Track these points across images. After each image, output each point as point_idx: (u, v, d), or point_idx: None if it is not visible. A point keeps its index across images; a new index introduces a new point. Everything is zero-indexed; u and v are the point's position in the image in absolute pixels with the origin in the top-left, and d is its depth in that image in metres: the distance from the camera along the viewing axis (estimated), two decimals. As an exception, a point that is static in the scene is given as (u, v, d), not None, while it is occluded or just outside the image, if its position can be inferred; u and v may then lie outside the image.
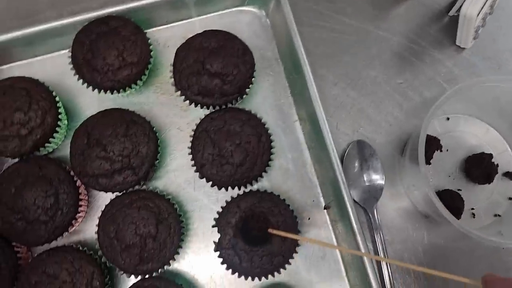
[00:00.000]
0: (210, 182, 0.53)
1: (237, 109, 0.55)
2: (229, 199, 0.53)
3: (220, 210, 0.53)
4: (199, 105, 0.56)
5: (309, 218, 0.56)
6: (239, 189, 0.53)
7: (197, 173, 0.53)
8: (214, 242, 0.51)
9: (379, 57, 0.63)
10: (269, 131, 0.54)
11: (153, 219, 0.51)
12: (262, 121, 0.55)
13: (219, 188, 0.53)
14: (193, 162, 0.53)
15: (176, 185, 0.58)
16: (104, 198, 0.56)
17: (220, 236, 0.51)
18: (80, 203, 0.53)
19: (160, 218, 0.51)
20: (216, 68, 0.54)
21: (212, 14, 0.63)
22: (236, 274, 0.50)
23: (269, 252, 0.49)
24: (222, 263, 0.50)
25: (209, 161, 0.52)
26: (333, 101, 0.61)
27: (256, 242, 0.50)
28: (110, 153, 0.51)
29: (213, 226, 0.52)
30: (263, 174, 0.54)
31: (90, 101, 0.60)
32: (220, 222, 0.52)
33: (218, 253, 0.51)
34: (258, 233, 0.51)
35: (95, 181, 0.52)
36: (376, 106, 0.61)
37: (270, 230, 0.47)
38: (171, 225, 0.52)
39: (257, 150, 0.52)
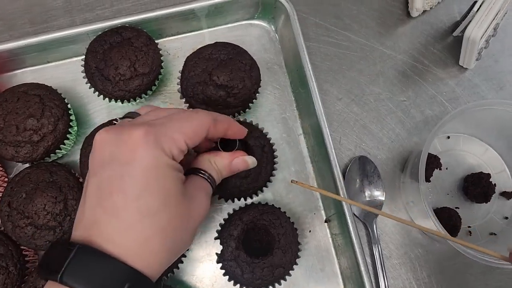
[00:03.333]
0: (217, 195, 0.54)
1: (239, 121, 0.56)
2: (231, 210, 0.55)
3: (222, 220, 0.54)
4: None
5: (310, 231, 0.57)
6: (245, 199, 0.55)
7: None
8: (217, 254, 0.53)
9: (383, 74, 0.64)
10: (272, 142, 0.55)
11: None
12: (264, 132, 0.56)
13: (226, 200, 0.54)
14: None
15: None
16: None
17: (223, 248, 0.52)
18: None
19: None
20: (222, 80, 0.55)
21: (222, 27, 0.65)
22: (238, 285, 0.52)
23: (270, 264, 0.51)
24: (224, 274, 0.52)
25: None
26: (337, 116, 0.63)
27: (258, 254, 0.51)
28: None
29: (215, 239, 0.54)
30: (268, 184, 0.55)
31: (100, 109, 0.61)
32: (222, 234, 0.53)
33: (220, 264, 0.52)
34: (260, 245, 0.52)
35: None
36: (379, 122, 0.62)
37: (292, 180, 0.46)
38: None
39: (261, 161, 0.53)
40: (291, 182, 0.46)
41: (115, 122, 0.41)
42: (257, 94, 0.58)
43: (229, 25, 0.65)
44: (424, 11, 0.66)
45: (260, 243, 0.53)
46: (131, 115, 0.41)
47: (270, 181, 0.55)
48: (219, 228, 0.54)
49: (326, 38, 0.65)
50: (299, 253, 0.53)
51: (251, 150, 0.53)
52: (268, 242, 0.52)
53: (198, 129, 0.38)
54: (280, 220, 0.53)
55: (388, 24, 0.66)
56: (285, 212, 0.54)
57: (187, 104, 0.57)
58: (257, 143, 0.54)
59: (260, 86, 0.58)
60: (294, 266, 0.52)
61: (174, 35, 0.64)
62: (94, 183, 0.35)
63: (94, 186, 0.35)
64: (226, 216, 0.55)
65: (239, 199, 0.54)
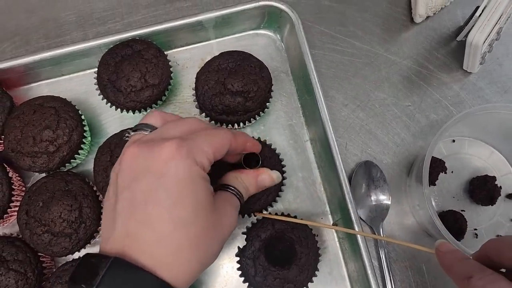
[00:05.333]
0: None
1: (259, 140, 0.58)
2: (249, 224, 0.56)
3: (244, 228, 0.56)
4: (224, 123, 0.59)
5: (316, 235, 0.59)
6: (249, 216, 0.56)
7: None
8: (239, 247, 0.54)
9: (388, 79, 0.65)
10: (278, 152, 0.57)
11: None
12: (272, 141, 0.57)
13: (243, 216, 0.55)
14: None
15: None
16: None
17: (246, 244, 0.54)
18: (102, 216, 0.56)
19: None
20: (237, 87, 0.57)
21: (229, 37, 0.67)
22: (247, 284, 0.53)
23: (284, 277, 0.52)
24: (239, 269, 0.53)
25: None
26: (343, 122, 0.64)
27: (275, 261, 0.53)
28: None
29: (242, 233, 0.55)
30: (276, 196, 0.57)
31: (113, 119, 0.63)
32: (250, 232, 0.54)
33: (237, 259, 0.54)
34: (280, 255, 0.53)
35: None
36: (384, 127, 0.64)
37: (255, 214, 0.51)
38: None
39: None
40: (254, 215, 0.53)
41: (128, 133, 0.42)
42: (271, 99, 0.60)
43: (237, 35, 0.67)
44: (428, 17, 0.67)
45: (281, 253, 0.54)
46: (142, 128, 0.42)
47: (279, 196, 0.56)
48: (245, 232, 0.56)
49: (331, 45, 0.67)
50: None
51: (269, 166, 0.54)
52: (289, 255, 0.53)
53: (223, 141, 0.40)
54: (308, 240, 0.54)
55: (392, 30, 0.67)
56: (315, 235, 0.55)
57: (208, 118, 0.59)
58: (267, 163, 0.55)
59: (273, 85, 0.59)
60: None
61: (183, 46, 0.66)
62: (126, 197, 0.36)
63: (127, 200, 0.36)
64: (244, 229, 0.56)
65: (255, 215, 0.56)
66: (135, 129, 0.42)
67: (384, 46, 0.66)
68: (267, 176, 0.47)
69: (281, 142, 0.62)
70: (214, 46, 0.66)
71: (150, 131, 0.41)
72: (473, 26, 0.60)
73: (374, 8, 0.68)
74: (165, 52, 0.63)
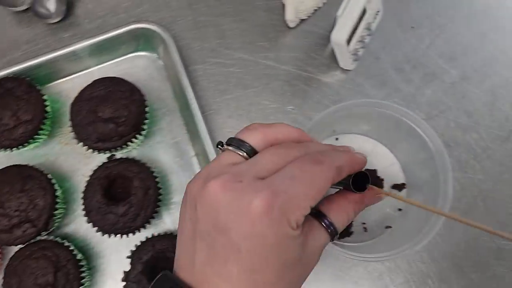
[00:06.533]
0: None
1: (133, 161, 0.58)
2: (137, 242, 0.57)
3: (129, 252, 0.57)
4: (101, 150, 0.59)
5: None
6: (121, 236, 0.57)
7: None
8: (124, 272, 0.55)
9: (269, 86, 0.66)
10: (157, 180, 0.58)
11: (51, 268, 0.54)
12: (155, 173, 0.59)
13: (103, 234, 0.56)
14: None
15: (84, 229, 0.61)
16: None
17: (130, 269, 0.55)
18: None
19: (59, 265, 0.55)
20: (108, 114, 0.57)
21: (109, 62, 0.67)
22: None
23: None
24: None
25: (95, 208, 0.55)
26: (229, 133, 0.65)
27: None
28: (7, 209, 0.55)
29: (127, 257, 0.56)
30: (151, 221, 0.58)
31: (-2, 158, 0.64)
32: (133, 256, 0.55)
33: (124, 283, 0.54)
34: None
35: None
36: (268, 134, 0.64)
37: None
38: (70, 271, 0.55)
39: (142, 203, 0.55)
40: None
41: (220, 146, 0.38)
42: (147, 121, 0.60)
43: (116, 59, 0.67)
44: (302, 20, 0.68)
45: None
46: (238, 145, 0.36)
47: (149, 222, 0.57)
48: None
49: (211, 59, 0.67)
50: None
51: (134, 191, 0.56)
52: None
53: (324, 186, 0.34)
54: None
55: (269, 37, 0.68)
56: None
57: (86, 147, 0.59)
58: (142, 185, 0.56)
59: (147, 106, 0.60)
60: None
61: (65, 76, 0.67)
62: (206, 243, 0.33)
63: (206, 247, 0.33)
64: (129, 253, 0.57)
65: (115, 235, 0.56)
66: (229, 143, 0.37)
67: (262, 54, 0.67)
68: (376, 199, 0.42)
69: (166, 161, 0.63)
70: (95, 74, 0.67)
71: (245, 153, 0.36)
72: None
73: (250, 17, 0.69)
74: (48, 84, 0.64)
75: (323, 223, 0.37)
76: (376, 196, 0.42)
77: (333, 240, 0.38)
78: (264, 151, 0.36)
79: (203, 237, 0.33)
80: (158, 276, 0.35)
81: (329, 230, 0.37)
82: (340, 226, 0.38)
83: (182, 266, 0.35)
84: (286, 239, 0.32)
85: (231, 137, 0.37)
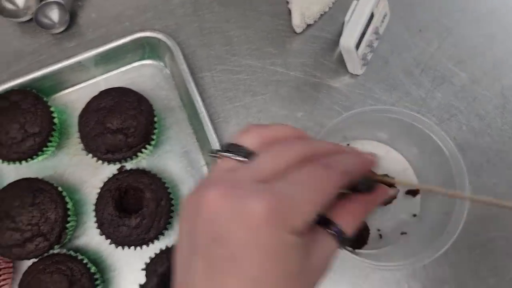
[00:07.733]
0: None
1: (143, 172, 0.58)
2: (150, 254, 0.56)
3: (142, 264, 0.56)
4: (111, 162, 0.59)
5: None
6: (135, 248, 0.56)
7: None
8: (140, 285, 0.54)
9: (278, 93, 0.65)
10: (170, 191, 0.57)
11: (66, 282, 0.53)
12: (166, 184, 0.58)
13: (116, 247, 0.55)
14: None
15: (96, 241, 0.61)
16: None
17: (146, 281, 0.54)
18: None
19: (73, 279, 0.54)
20: (116, 125, 0.57)
21: (115, 72, 0.66)
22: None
23: None
24: None
25: (108, 221, 0.54)
26: (238, 141, 0.64)
27: None
28: (19, 223, 0.54)
29: (142, 269, 0.55)
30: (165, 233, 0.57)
31: (7, 171, 0.63)
32: (148, 269, 0.55)
33: None
34: None
35: (9, 251, 0.55)
36: (279, 141, 0.64)
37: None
38: (84, 285, 0.54)
39: (155, 214, 0.55)
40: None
41: (214, 153, 0.35)
42: (156, 131, 0.60)
43: (122, 68, 0.66)
44: (309, 25, 0.67)
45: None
46: (234, 151, 0.34)
47: (163, 234, 0.57)
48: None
49: (219, 66, 0.67)
50: None
51: (147, 202, 0.55)
52: None
53: (331, 192, 0.32)
54: None
55: (276, 43, 0.67)
56: None
57: (95, 158, 0.59)
58: (153, 196, 0.55)
59: (155, 116, 0.59)
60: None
61: (70, 87, 0.66)
62: (201, 265, 0.31)
63: (204, 261, 0.31)
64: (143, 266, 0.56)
65: (129, 247, 0.56)
66: (225, 150, 0.34)
67: (270, 60, 0.67)
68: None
69: (177, 171, 0.62)
70: (102, 83, 0.66)
71: (243, 157, 0.33)
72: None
73: (256, 23, 0.68)
74: (54, 95, 0.63)
75: (329, 230, 0.34)
76: (386, 192, 0.39)
77: (344, 247, 0.36)
78: (264, 152, 0.33)
79: (202, 252, 0.31)
80: None
81: (336, 237, 0.34)
82: (349, 231, 0.35)
83: (181, 282, 0.33)
84: (288, 247, 0.30)
85: (226, 143, 0.35)
